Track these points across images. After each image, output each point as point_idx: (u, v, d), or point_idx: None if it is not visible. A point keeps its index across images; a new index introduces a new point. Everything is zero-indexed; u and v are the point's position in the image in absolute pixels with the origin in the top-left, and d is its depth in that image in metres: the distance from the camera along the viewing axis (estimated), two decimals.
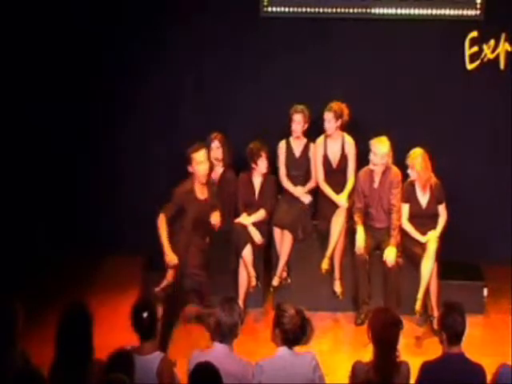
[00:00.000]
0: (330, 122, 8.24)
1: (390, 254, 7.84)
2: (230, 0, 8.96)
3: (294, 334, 5.24)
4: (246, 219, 8.21)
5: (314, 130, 8.42)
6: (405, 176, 8.14)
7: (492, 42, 8.82)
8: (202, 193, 7.66)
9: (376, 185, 8.10)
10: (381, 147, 7.95)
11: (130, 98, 9.08)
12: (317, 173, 8.37)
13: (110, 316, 7.68)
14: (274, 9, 8.97)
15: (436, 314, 7.75)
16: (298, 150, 8.45)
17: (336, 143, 8.37)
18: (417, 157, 7.97)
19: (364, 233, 7.97)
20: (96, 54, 9.02)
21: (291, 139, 8.46)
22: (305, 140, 8.43)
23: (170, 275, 8.08)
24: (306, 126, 8.36)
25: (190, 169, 7.56)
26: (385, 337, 5.09)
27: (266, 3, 8.96)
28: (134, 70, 9.04)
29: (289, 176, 8.44)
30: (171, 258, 7.56)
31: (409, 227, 8.05)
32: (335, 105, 8.25)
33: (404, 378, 5.13)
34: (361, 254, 7.91)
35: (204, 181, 7.65)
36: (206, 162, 7.62)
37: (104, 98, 9.07)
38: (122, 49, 9.01)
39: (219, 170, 8.38)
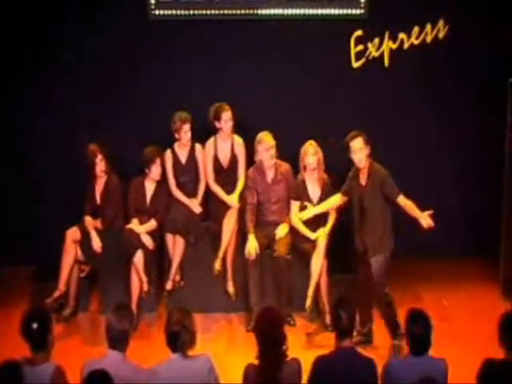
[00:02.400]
0: (232, 120, 8.27)
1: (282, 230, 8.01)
2: (118, 3, 8.90)
3: (172, 338, 5.25)
4: (137, 227, 8.19)
5: (201, 133, 8.47)
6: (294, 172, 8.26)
7: (376, 40, 9.00)
8: (363, 178, 7.47)
9: (269, 179, 8.17)
10: (267, 141, 8.03)
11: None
12: (207, 174, 8.39)
13: (2, 328, 7.57)
14: (162, 12, 8.95)
15: (327, 309, 7.89)
16: (183, 157, 8.42)
17: (226, 144, 8.41)
18: (316, 145, 8.09)
19: (255, 240, 7.99)
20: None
21: (176, 146, 8.43)
22: (189, 143, 8.41)
23: (61, 284, 8.02)
24: (192, 130, 8.35)
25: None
26: (267, 335, 5.15)
27: (153, 6, 8.92)
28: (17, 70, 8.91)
29: (178, 183, 8.42)
30: None
31: (299, 224, 8.11)
32: (226, 105, 8.28)
33: (293, 375, 5.19)
34: (251, 260, 7.96)
35: (362, 166, 7.39)
36: (364, 149, 7.34)
37: None
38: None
39: (104, 178, 8.33)
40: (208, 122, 8.32)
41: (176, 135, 8.34)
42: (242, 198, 8.27)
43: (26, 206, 9.06)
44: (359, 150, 7.33)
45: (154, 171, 8.24)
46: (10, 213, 9.08)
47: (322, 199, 8.15)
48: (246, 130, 8.53)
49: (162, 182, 8.39)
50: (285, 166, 8.21)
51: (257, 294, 8.04)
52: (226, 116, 8.26)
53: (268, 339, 5.14)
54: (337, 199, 7.75)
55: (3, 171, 9.06)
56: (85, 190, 8.38)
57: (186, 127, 8.28)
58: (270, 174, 8.17)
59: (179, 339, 5.23)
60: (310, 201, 8.17)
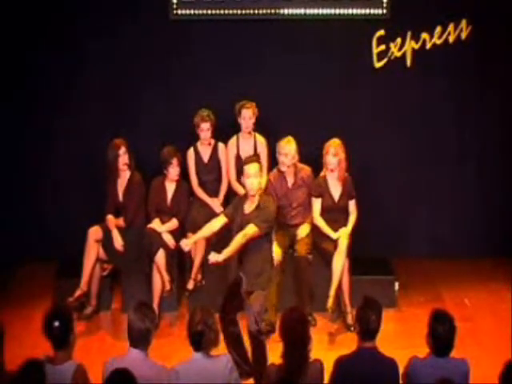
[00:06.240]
0: (251, 118, 8.30)
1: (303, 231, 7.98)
2: (139, 3, 8.93)
3: (196, 338, 5.24)
4: (159, 227, 8.19)
5: (225, 131, 8.48)
6: (315, 173, 8.25)
7: (398, 40, 8.98)
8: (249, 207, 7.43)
9: (289, 184, 8.16)
10: (288, 147, 8.00)
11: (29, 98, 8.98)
12: (229, 173, 8.40)
13: (25, 326, 7.59)
14: (184, 11, 8.97)
15: (349, 309, 7.88)
16: (206, 155, 8.44)
17: (248, 143, 8.43)
18: (340, 144, 8.05)
19: (278, 247, 7.89)
20: None
21: (198, 145, 8.45)
22: (212, 142, 8.43)
23: (83, 284, 8.05)
24: (213, 129, 8.37)
25: None
26: (291, 334, 5.16)
27: (175, 6, 8.95)
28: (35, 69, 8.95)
29: (200, 182, 8.44)
30: None
31: (321, 223, 8.09)
32: (249, 103, 8.31)
33: (316, 376, 5.19)
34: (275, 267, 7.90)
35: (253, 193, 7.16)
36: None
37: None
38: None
39: (127, 174, 8.32)
40: (232, 121, 8.33)
41: (197, 131, 8.35)
42: None
43: (46, 204, 9.11)
44: (254, 175, 6.73)
45: (172, 172, 8.23)
46: (27, 211, 9.10)
47: (342, 197, 8.14)
48: (267, 129, 8.52)
49: (183, 182, 8.39)
50: (305, 171, 8.19)
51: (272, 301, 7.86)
52: (245, 113, 8.29)
53: (295, 338, 5.14)
54: (220, 221, 6.97)
55: (21, 172, 9.09)
56: (101, 187, 8.40)
57: (204, 126, 8.28)
58: (290, 179, 8.16)
59: (203, 338, 5.21)
60: (331, 198, 8.15)
